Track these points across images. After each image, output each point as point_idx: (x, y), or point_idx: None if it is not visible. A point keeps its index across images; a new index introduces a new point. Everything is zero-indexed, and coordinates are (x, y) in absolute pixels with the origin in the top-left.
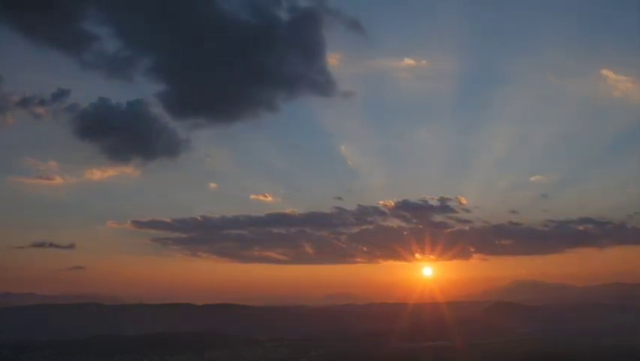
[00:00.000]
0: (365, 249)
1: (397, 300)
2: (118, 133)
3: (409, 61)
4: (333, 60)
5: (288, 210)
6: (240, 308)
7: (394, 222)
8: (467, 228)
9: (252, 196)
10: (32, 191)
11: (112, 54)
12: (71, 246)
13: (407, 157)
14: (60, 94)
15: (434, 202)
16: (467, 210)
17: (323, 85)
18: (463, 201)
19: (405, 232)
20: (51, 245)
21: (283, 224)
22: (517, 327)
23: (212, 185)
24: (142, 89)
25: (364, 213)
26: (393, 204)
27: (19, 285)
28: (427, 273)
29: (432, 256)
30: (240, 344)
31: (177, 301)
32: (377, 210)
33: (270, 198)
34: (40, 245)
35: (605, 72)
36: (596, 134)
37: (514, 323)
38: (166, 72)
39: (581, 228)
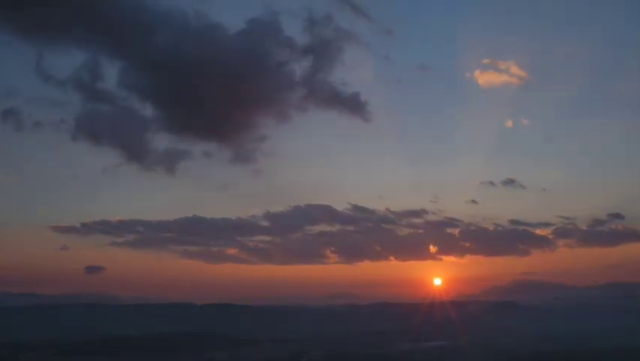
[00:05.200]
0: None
1: (396, 300)
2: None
3: None
4: None
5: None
6: (240, 308)
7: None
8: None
9: None
10: None
11: None
12: None
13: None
14: None
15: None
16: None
17: None
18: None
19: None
20: None
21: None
22: (517, 327)
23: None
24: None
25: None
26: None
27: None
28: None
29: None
30: (240, 344)
31: (177, 301)
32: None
33: None
34: None
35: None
36: None
37: (514, 323)
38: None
39: (532, 230)
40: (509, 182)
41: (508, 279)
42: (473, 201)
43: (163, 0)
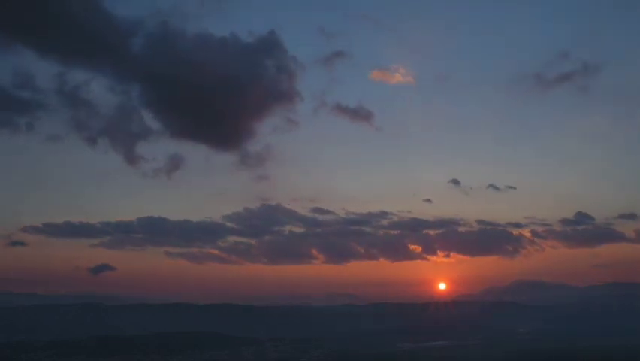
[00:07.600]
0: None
1: (393, 300)
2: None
3: None
4: None
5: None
6: (240, 308)
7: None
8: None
9: None
10: None
11: None
12: None
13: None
14: None
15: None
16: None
17: None
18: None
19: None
20: None
21: None
22: (517, 327)
23: None
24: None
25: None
26: None
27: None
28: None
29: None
30: (240, 344)
31: (177, 301)
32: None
33: None
34: None
35: None
36: None
37: (514, 323)
38: None
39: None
40: (456, 182)
41: (503, 279)
42: (428, 200)
43: (179, 13)
